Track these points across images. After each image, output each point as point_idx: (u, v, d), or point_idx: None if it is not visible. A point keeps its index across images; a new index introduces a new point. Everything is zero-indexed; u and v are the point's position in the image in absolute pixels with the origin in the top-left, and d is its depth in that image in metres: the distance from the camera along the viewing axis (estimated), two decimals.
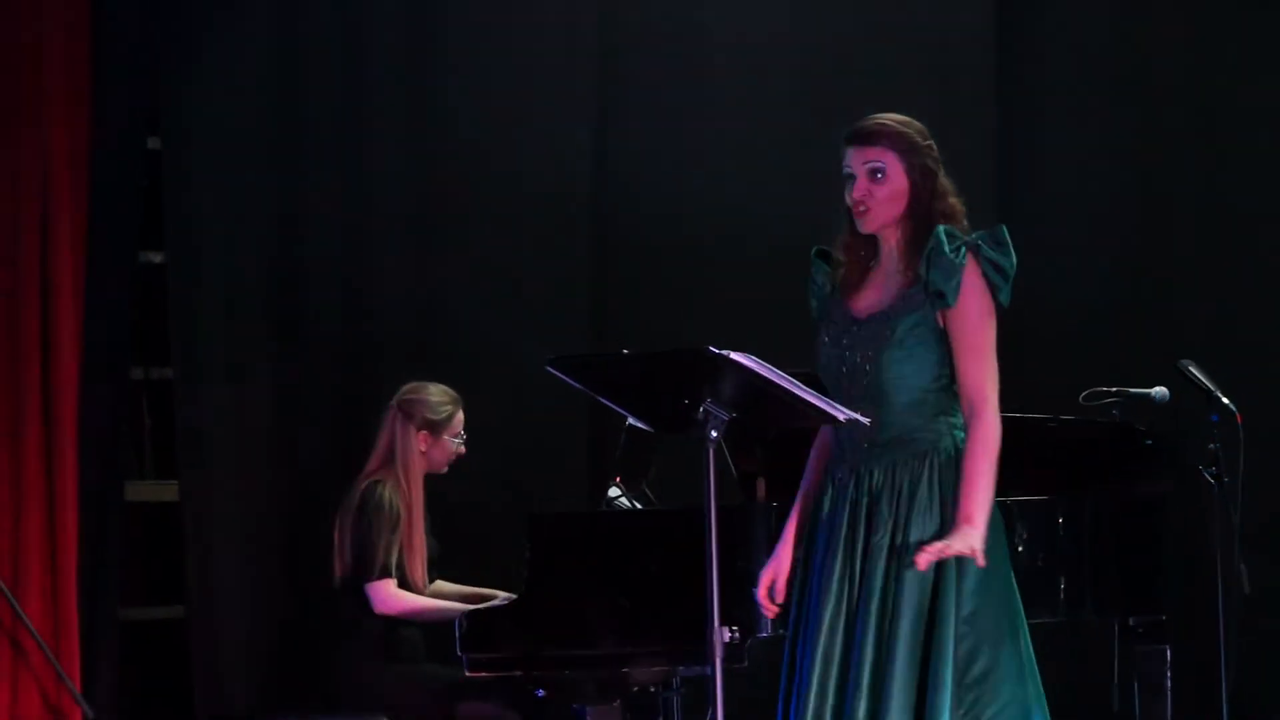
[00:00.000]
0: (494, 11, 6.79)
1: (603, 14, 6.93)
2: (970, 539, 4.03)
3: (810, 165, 6.63)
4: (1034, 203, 7.14)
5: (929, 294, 4.13)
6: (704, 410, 4.07)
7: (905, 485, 4.14)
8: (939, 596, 4.09)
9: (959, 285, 4.10)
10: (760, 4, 7.08)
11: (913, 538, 4.10)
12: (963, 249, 4.12)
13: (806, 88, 7.03)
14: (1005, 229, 4.19)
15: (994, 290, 4.15)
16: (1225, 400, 5.69)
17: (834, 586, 4.16)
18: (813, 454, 4.38)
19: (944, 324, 4.15)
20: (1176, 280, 7.13)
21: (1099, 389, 5.85)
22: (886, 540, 4.12)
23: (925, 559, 4.01)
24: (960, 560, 4.08)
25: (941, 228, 4.15)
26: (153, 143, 6.39)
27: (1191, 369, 5.77)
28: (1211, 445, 5.71)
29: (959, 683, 4.08)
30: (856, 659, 4.10)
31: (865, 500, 4.17)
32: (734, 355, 3.97)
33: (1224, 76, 7.17)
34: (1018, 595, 4.22)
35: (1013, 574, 4.23)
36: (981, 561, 4.05)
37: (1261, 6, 7.17)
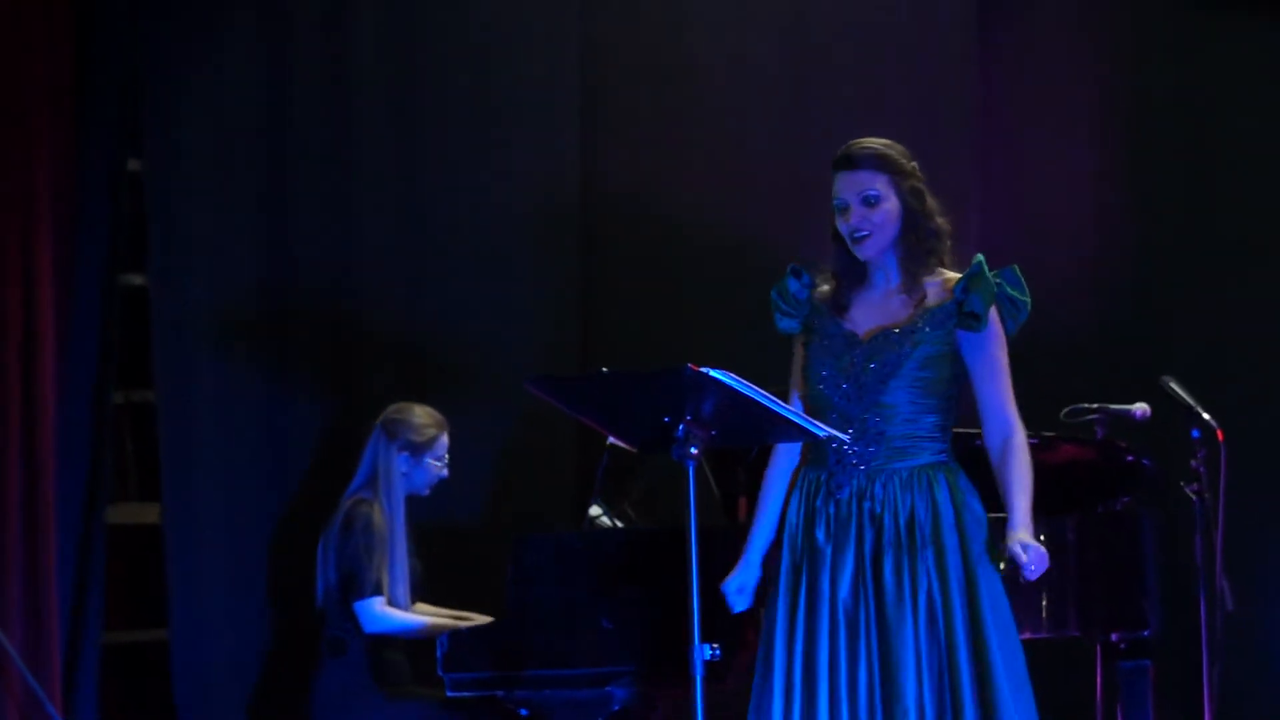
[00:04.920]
0: (478, 27, 6.80)
1: (585, 30, 6.94)
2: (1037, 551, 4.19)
3: (797, 177, 6.65)
4: (1016, 219, 7.15)
5: (962, 315, 4.20)
6: (684, 428, 4.07)
7: (913, 497, 4.23)
8: (981, 615, 4.16)
9: (988, 314, 4.21)
10: (745, 17, 7.10)
11: (946, 551, 4.21)
12: (992, 281, 4.26)
13: (791, 99, 7.05)
14: (1017, 268, 4.33)
15: (1006, 322, 4.30)
16: (1206, 416, 5.70)
17: (844, 615, 4.21)
18: (771, 474, 4.44)
19: (959, 347, 4.27)
20: (1158, 296, 7.14)
21: (1080, 405, 5.86)
22: (907, 557, 4.21)
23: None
24: (988, 581, 4.21)
25: (981, 256, 4.27)
26: (134, 165, 6.38)
27: (1173, 385, 5.78)
28: (1193, 461, 5.72)
29: (1015, 689, 4.19)
30: (895, 675, 4.16)
31: (868, 504, 4.25)
32: (713, 373, 3.97)
33: (1211, 92, 7.18)
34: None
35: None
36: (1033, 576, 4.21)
37: (1251, 20, 7.18)
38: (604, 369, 4.21)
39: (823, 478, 4.31)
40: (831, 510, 4.28)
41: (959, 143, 7.07)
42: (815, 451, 4.34)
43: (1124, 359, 6.91)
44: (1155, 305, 7.14)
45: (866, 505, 4.24)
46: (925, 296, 4.28)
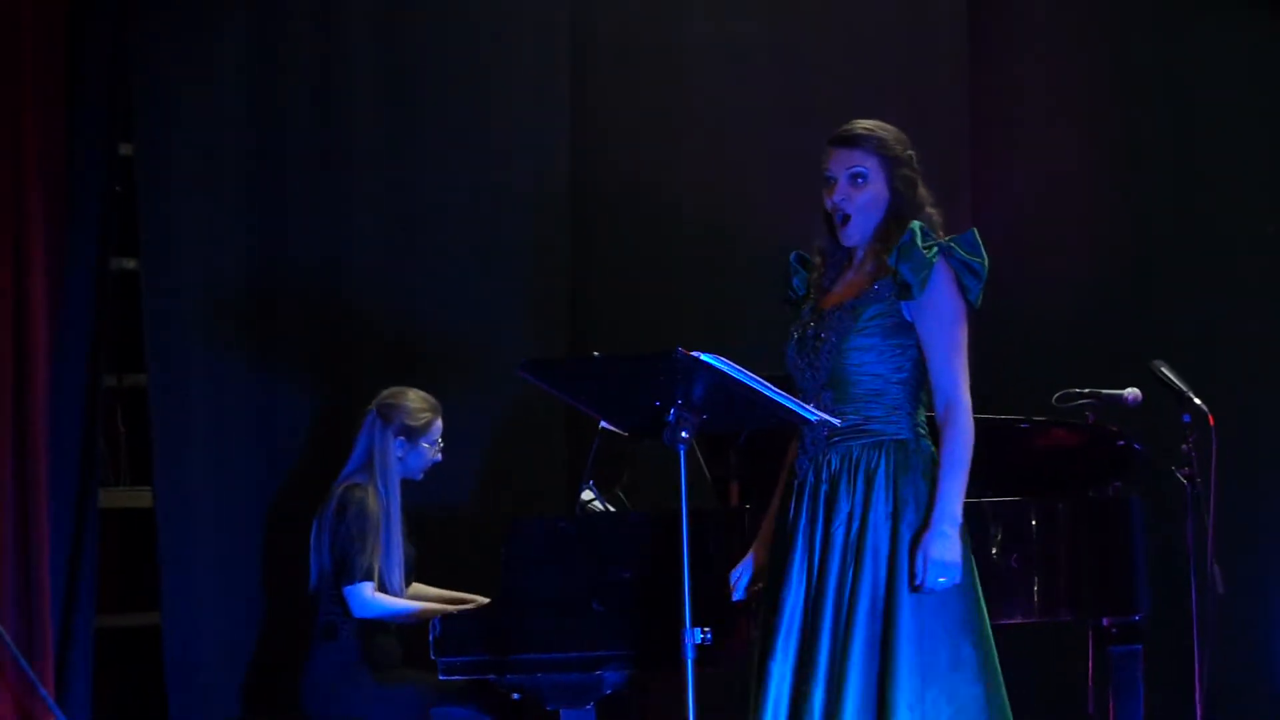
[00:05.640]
0: (469, 11, 6.79)
1: (576, 19, 6.93)
2: (947, 547, 4.08)
3: (788, 165, 6.64)
4: (1007, 204, 7.16)
5: (896, 284, 4.16)
6: (675, 412, 4.07)
7: (861, 474, 4.17)
8: (896, 591, 4.11)
9: (927, 280, 4.15)
10: (736, 6, 7.10)
11: (870, 526, 4.13)
12: (934, 248, 4.16)
13: (782, 87, 7.06)
14: (976, 232, 4.22)
15: (965, 291, 4.18)
16: (1197, 401, 5.71)
17: (793, 576, 4.20)
18: (788, 459, 4.43)
19: (911, 319, 4.19)
20: (1149, 281, 7.14)
21: (1071, 390, 5.86)
22: (842, 531, 4.16)
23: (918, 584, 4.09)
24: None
25: (916, 224, 4.19)
26: (125, 149, 6.37)
27: (1163, 369, 5.79)
28: (1184, 446, 5.72)
29: (922, 677, 4.09)
30: (815, 647, 4.12)
31: (824, 488, 4.20)
32: (703, 356, 3.98)
33: (1200, 77, 7.18)
34: (979, 591, 4.24)
35: (975, 569, 4.24)
36: (957, 577, 4.10)
37: (1245, 12, 7.18)
38: (595, 353, 4.21)
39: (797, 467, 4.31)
40: (794, 494, 4.28)
41: (952, 131, 7.08)
42: (800, 439, 4.34)
43: (1115, 344, 6.91)
44: (1145, 290, 7.14)
45: (824, 489, 4.21)
46: (884, 269, 4.23)
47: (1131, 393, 5.87)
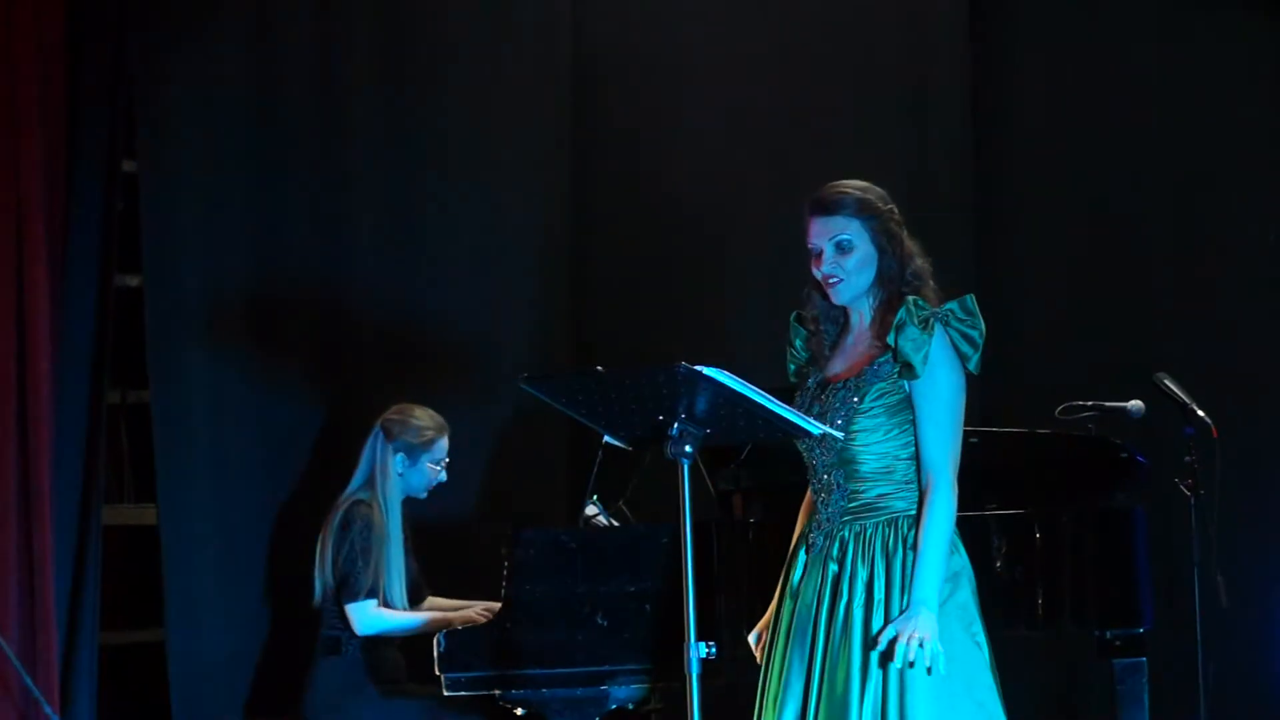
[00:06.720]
0: (469, 26, 6.80)
1: (577, 21, 6.94)
2: (923, 625, 4.05)
3: (789, 168, 6.66)
4: (1009, 216, 7.16)
5: (898, 364, 4.13)
6: (678, 426, 4.07)
7: (878, 551, 4.14)
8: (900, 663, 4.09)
9: (927, 357, 4.10)
10: (737, 19, 7.11)
11: (892, 603, 4.11)
12: (932, 321, 4.12)
13: (782, 90, 7.06)
14: (973, 298, 4.18)
15: (964, 360, 4.15)
16: (1200, 413, 5.71)
17: (806, 657, 4.16)
18: (801, 513, 4.40)
19: (911, 393, 4.16)
20: (1152, 293, 7.14)
21: (1075, 403, 5.86)
22: (861, 613, 4.13)
23: (887, 652, 4.05)
24: (942, 624, 4.08)
25: (911, 299, 4.15)
26: (128, 166, 6.38)
27: (1167, 382, 5.79)
28: (1187, 458, 5.73)
29: None
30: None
31: (834, 567, 4.17)
32: (706, 370, 3.97)
33: (1200, 77, 7.18)
34: (984, 644, 4.19)
35: (980, 622, 4.20)
36: (936, 661, 4.05)
37: (1234, 13, 7.19)
38: (599, 367, 4.20)
39: (812, 537, 4.27)
40: (802, 563, 4.25)
41: (952, 132, 7.07)
42: (814, 490, 4.31)
43: (1119, 356, 6.91)
44: (1149, 302, 7.14)
45: (832, 568, 4.18)
46: (886, 346, 4.17)
47: (1135, 405, 5.87)
